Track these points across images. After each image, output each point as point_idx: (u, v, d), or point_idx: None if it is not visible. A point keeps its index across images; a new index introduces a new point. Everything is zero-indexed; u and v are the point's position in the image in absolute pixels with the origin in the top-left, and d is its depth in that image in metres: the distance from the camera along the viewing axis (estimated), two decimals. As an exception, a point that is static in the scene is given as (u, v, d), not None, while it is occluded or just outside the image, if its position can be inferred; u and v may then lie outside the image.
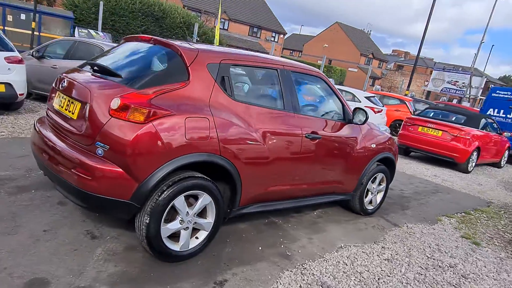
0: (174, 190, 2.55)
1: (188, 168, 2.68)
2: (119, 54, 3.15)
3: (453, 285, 3.24)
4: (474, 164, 9.11)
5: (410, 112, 13.61)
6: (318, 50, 47.77)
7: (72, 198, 2.58)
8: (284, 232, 3.67)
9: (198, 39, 16.30)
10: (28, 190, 3.55)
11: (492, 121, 10.27)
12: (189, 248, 2.79)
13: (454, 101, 23.61)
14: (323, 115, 3.79)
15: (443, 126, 8.91)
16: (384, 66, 52.79)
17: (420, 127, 9.16)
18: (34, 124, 3.17)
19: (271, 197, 3.34)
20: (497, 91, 12.43)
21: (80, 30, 8.99)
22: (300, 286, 2.78)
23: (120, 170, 2.39)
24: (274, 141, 3.12)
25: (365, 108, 11.25)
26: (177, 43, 2.84)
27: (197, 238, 2.85)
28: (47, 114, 3.13)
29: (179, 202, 2.63)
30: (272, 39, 38.41)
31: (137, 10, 19.70)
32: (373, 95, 12.44)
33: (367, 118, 3.83)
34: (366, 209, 4.50)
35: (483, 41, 21.58)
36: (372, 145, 4.21)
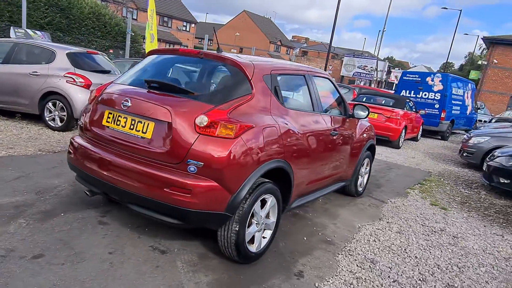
0: (254, 196, 2.73)
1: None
2: (167, 69, 3.13)
3: (453, 245, 3.99)
4: (403, 140, 10.54)
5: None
6: (229, 39, 48.23)
7: (163, 217, 2.60)
8: (311, 221, 4.05)
9: (133, 33, 15.37)
10: (56, 214, 3.33)
11: (409, 101, 11.88)
12: (261, 247, 3.01)
13: (362, 83, 26.41)
14: (334, 112, 4.22)
15: (378, 109, 10.10)
16: (292, 53, 55.64)
17: (358, 112, 10.21)
18: (75, 144, 3.01)
19: (307, 191, 3.68)
20: (407, 75, 14.32)
21: (16, 30, 7.87)
22: (357, 265, 3.21)
23: (216, 184, 2.50)
24: (313, 140, 3.45)
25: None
26: (233, 57, 2.96)
27: (264, 237, 3.07)
28: (90, 131, 2.98)
29: (257, 207, 2.83)
30: (184, 28, 37.61)
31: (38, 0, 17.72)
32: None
33: (368, 113, 4.35)
34: (358, 191, 5.11)
35: (384, 29, 24.57)
36: (364, 135, 4.79)
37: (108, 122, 2.88)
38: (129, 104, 2.72)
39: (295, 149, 3.15)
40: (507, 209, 5.79)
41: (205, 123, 2.50)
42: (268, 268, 2.95)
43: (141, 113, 2.68)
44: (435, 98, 13.37)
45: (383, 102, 10.87)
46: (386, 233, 4.03)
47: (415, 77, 13.89)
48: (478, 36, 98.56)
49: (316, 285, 2.81)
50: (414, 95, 13.74)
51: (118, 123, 2.81)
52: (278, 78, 3.18)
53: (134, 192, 2.62)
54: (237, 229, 2.68)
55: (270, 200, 2.97)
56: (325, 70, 22.57)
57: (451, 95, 13.48)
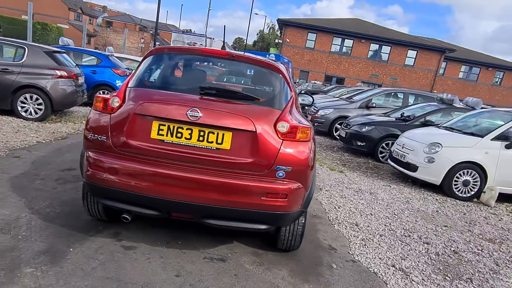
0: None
1: None
2: (195, 71, 2.90)
3: (376, 199, 5.23)
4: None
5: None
6: (14, 2, 39.18)
7: (252, 225, 2.59)
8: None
9: None
10: (63, 251, 2.69)
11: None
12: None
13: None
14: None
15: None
16: (95, 22, 50.06)
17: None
18: (103, 163, 2.53)
19: None
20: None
21: None
22: (352, 230, 3.93)
23: (300, 184, 2.67)
24: None
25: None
26: (268, 60, 3.03)
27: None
28: (128, 147, 2.54)
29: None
30: None
31: None
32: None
33: (313, 101, 5.00)
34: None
35: (210, 8, 25.33)
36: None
37: (161, 135, 2.54)
38: (200, 114, 2.49)
39: None
40: (369, 165, 7.68)
41: (286, 129, 2.61)
42: (309, 250, 3.31)
43: (216, 124, 2.51)
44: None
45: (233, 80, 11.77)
46: (336, 200, 4.91)
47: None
48: (266, 16, 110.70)
49: (350, 252, 3.39)
50: (254, 73, 15.25)
51: (179, 135, 2.53)
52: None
53: (221, 206, 2.51)
54: (303, 221, 2.95)
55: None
56: (154, 45, 21.89)
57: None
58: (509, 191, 5.96)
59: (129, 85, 2.81)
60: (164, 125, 2.55)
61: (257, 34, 74.27)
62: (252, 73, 3.18)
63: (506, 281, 3.29)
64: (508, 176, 5.88)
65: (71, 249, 2.74)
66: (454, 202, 5.73)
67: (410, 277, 3.09)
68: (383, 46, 36.77)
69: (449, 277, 3.20)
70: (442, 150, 5.95)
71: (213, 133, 2.55)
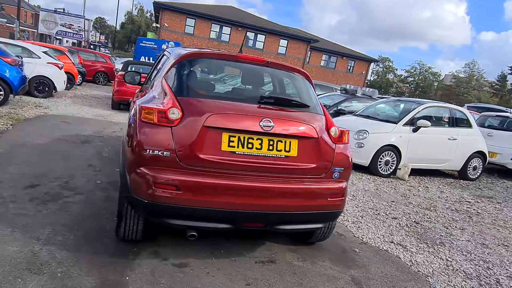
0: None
1: None
2: (237, 77, 2.83)
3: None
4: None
5: (72, 62, 13.30)
6: None
7: (313, 225, 2.77)
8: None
9: None
10: (120, 282, 2.42)
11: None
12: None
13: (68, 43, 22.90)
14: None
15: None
16: None
17: (136, 83, 10.11)
18: (177, 180, 2.37)
19: None
20: (143, 41, 14.73)
21: None
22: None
23: (346, 182, 2.94)
24: None
25: (50, 66, 10.48)
26: (296, 66, 3.14)
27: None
28: (198, 160, 2.40)
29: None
30: None
31: None
32: (46, 48, 11.19)
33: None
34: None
35: None
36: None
37: (232, 146, 2.47)
38: (272, 124, 2.51)
39: None
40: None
41: (336, 134, 2.84)
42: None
43: (286, 133, 2.58)
44: (171, 64, 14.74)
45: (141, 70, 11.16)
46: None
47: (152, 44, 14.59)
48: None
49: (356, 236, 3.84)
50: (153, 61, 14.53)
51: (250, 146, 2.51)
52: None
53: (293, 211, 2.62)
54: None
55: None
56: (18, 25, 18.61)
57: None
58: (417, 166, 7.33)
59: (178, 94, 2.61)
60: (235, 137, 2.50)
61: (125, 15, 69.05)
62: (288, 80, 3.26)
63: (462, 240, 4.21)
64: (415, 154, 7.22)
65: (127, 278, 2.47)
66: (381, 180, 6.77)
67: (408, 248, 3.71)
68: (258, 35, 38.64)
69: (430, 244, 3.94)
70: (369, 136, 6.92)
71: (281, 142, 2.61)
